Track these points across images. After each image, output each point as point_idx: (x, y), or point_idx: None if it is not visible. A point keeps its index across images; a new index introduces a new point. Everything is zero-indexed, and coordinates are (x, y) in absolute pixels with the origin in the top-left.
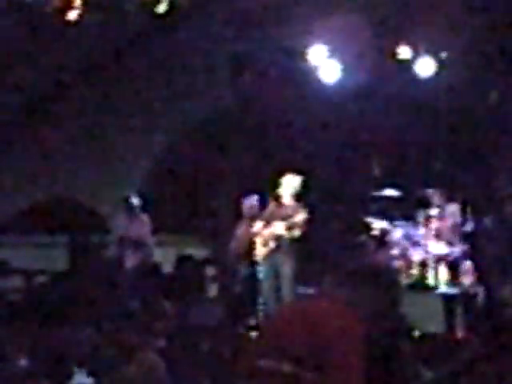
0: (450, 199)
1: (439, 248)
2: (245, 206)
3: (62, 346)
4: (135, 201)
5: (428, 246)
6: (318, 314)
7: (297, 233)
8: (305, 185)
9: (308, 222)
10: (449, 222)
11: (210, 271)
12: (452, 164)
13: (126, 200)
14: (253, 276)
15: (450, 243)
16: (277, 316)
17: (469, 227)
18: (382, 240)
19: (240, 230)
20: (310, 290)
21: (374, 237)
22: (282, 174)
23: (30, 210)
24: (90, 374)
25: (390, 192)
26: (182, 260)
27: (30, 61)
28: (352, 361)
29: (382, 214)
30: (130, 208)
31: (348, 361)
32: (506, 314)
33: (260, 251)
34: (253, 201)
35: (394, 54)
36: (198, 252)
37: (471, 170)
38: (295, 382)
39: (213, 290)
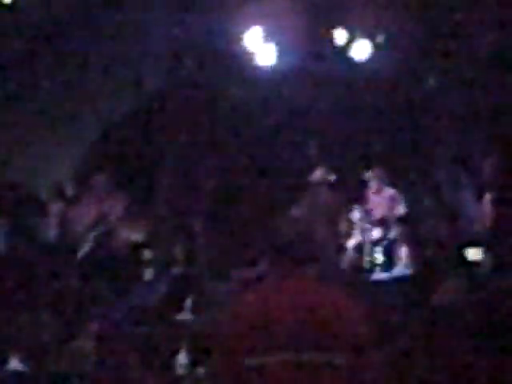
0: (386, 183)
1: (374, 232)
2: None
3: None
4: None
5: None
6: (317, 297)
7: None
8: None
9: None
10: (385, 206)
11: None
12: (389, 148)
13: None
14: None
15: (385, 226)
16: (265, 304)
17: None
18: None
19: None
20: (247, 273)
21: None
22: None
23: None
24: (25, 359)
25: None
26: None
27: None
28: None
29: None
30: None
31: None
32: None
33: None
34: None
35: (329, 37)
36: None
37: (408, 154)
38: (346, 373)
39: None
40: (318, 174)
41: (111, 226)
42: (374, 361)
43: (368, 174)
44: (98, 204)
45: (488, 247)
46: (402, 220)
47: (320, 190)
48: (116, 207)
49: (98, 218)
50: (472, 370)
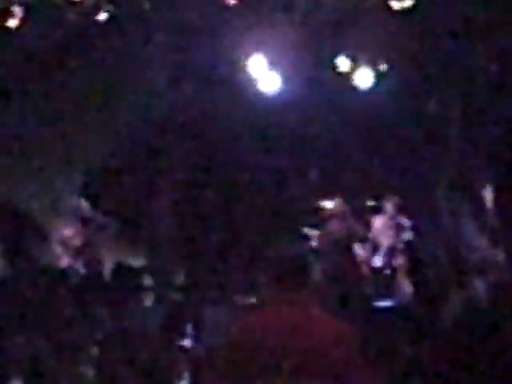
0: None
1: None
2: None
3: None
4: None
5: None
6: (311, 323)
7: None
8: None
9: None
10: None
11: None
12: (390, 173)
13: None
14: None
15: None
16: (260, 329)
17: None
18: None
19: None
20: (250, 299)
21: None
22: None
23: None
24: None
25: (328, 204)
26: (119, 268)
27: None
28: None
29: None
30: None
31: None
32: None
33: None
34: None
35: (332, 65)
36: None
37: (408, 179)
38: None
39: (149, 300)
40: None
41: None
42: None
43: (374, 203)
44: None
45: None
46: (408, 247)
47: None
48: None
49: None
50: None
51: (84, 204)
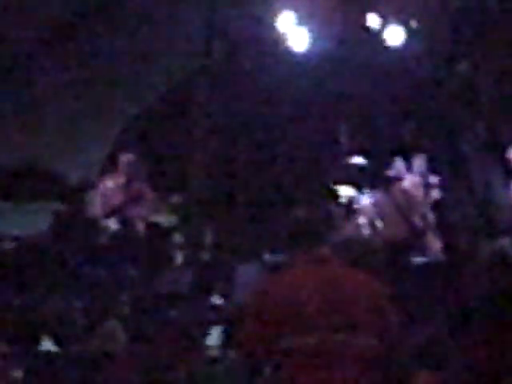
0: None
1: None
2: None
3: (29, 311)
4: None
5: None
6: (346, 281)
7: None
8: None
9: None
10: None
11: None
12: (420, 134)
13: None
14: None
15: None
16: (293, 287)
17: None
18: (350, 208)
19: None
20: (278, 257)
21: (342, 205)
22: None
23: None
24: (56, 342)
25: (357, 160)
26: (149, 227)
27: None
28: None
29: (349, 183)
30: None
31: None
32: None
33: None
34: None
35: (362, 22)
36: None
37: (439, 140)
38: (369, 353)
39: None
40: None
41: (139, 210)
42: (398, 344)
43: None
44: (125, 186)
45: None
46: (436, 206)
47: None
48: (144, 189)
49: (124, 201)
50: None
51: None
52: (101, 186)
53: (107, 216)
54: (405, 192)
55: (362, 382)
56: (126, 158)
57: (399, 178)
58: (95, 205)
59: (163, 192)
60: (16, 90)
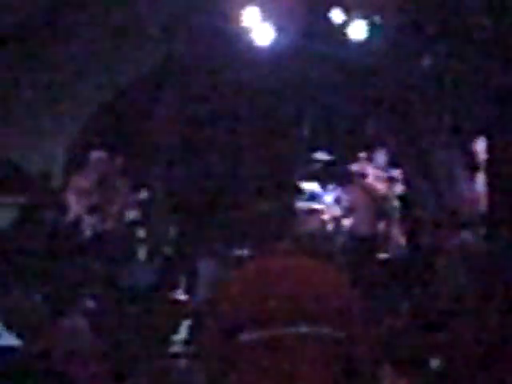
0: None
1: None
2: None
3: None
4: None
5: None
6: (306, 270)
7: None
8: None
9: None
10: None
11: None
12: (382, 127)
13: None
14: None
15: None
16: (257, 276)
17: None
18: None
19: None
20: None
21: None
22: None
23: None
24: (18, 335)
25: (321, 155)
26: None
27: None
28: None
29: (313, 178)
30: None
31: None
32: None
33: None
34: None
35: (326, 17)
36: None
37: (401, 133)
38: (335, 345)
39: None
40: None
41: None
42: (363, 335)
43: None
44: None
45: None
46: (401, 199)
47: None
48: (117, 190)
49: (98, 202)
50: None
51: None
52: (73, 183)
53: (88, 213)
54: (369, 186)
55: (324, 375)
56: (96, 154)
57: (363, 174)
58: (70, 202)
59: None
60: None
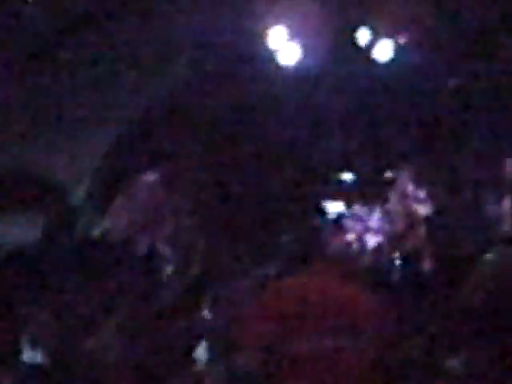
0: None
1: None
2: None
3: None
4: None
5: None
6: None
7: None
8: None
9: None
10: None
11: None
12: (412, 148)
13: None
14: None
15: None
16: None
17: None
18: (338, 224)
19: None
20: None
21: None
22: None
23: None
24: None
25: (347, 175)
26: None
27: None
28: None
29: (338, 198)
30: None
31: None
32: None
33: None
34: None
35: (352, 38)
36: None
37: (432, 154)
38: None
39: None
40: None
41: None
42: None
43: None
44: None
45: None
46: (428, 219)
47: None
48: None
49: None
50: None
51: None
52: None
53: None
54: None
55: None
56: (147, 178)
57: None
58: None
59: None
60: None
